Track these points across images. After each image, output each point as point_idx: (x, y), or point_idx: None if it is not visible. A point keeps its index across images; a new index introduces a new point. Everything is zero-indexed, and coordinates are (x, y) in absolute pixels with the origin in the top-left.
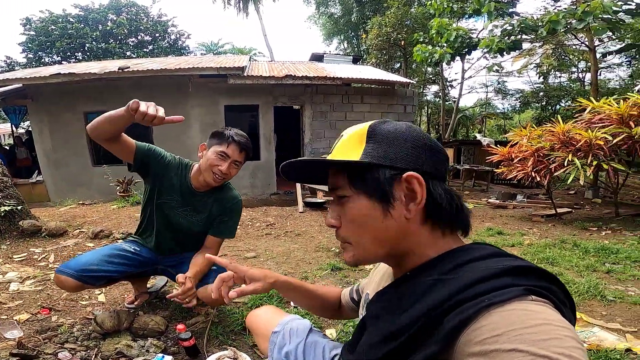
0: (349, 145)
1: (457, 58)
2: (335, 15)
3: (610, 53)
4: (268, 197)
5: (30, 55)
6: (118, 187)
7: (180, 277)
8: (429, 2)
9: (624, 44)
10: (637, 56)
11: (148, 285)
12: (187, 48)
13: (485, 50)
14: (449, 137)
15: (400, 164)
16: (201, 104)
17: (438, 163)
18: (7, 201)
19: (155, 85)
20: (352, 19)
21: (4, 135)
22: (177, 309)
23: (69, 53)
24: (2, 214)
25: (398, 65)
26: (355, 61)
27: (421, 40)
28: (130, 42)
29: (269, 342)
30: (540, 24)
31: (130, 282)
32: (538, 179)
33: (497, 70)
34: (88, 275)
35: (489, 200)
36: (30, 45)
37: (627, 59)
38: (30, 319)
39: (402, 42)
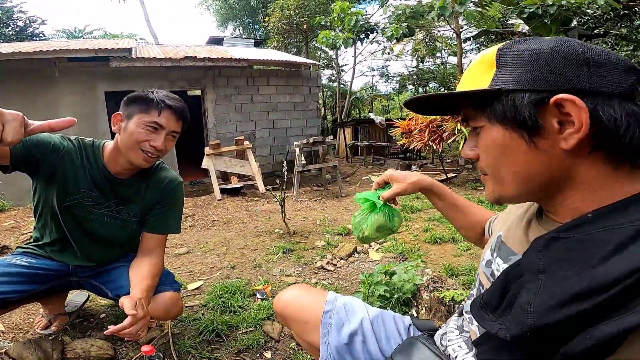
0: (478, 71)
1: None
2: (231, 0)
3: (468, 39)
4: None
5: None
6: None
7: (125, 302)
8: None
9: (478, 31)
10: (485, 43)
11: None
12: (41, 35)
13: (387, 36)
14: (345, 117)
15: (543, 86)
16: (74, 91)
17: (615, 77)
18: None
19: (9, 72)
20: (251, 3)
21: None
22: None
23: None
24: None
25: (295, 49)
26: (257, 45)
27: (322, 23)
28: None
29: (322, 325)
30: (427, 10)
31: (39, 302)
32: (435, 147)
33: (388, 54)
34: None
35: None
36: None
37: (477, 45)
38: None
39: (304, 26)
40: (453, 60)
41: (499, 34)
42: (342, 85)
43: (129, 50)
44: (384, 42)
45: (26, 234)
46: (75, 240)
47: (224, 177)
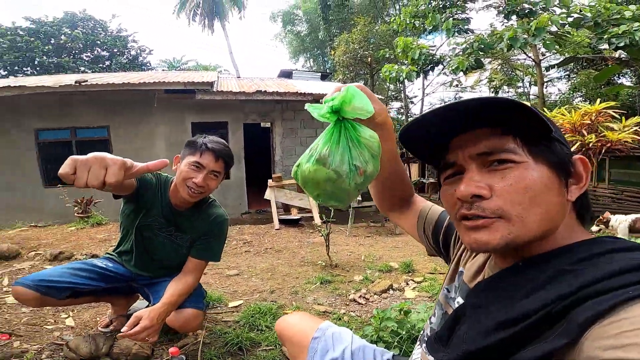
0: None
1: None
2: (302, 33)
3: (552, 67)
4: (240, 216)
5: None
6: (76, 208)
7: (140, 314)
8: (393, 19)
9: (563, 58)
10: (575, 69)
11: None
12: (148, 64)
13: (452, 69)
14: None
15: (566, 144)
16: (167, 121)
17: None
18: None
19: (116, 101)
20: (320, 37)
21: None
22: (161, 330)
23: (16, 67)
24: None
25: (363, 82)
26: (323, 78)
27: (387, 56)
28: (85, 57)
29: (309, 349)
30: (495, 41)
31: (109, 302)
32: None
33: (456, 85)
34: (47, 286)
35: None
36: None
37: (565, 72)
38: None
39: (369, 59)
40: (536, 90)
41: (589, 60)
42: (410, 118)
43: (211, 84)
44: (456, 73)
45: (114, 245)
46: (138, 254)
47: (286, 208)
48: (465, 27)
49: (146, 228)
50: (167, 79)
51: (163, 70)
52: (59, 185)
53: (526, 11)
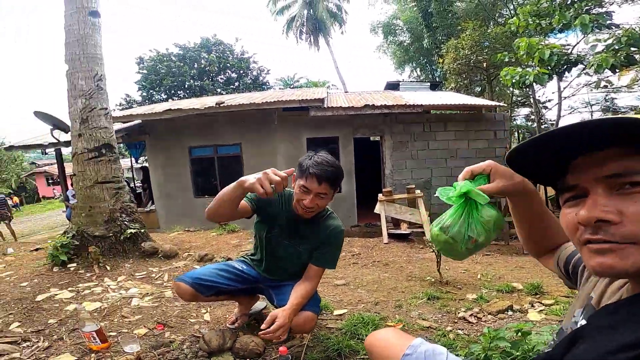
0: None
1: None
2: (405, 43)
3: None
4: (349, 229)
5: (144, 93)
6: None
7: (275, 313)
8: (510, 21)
9: None
10: None
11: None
12: (267, 83)
13: (594, 68)
14: None
15: None
16: (286, 138)
17: None
18: (133, 224)
19: (245, 120)
20: (424, 45)
21: (124, 169)
22: None
23: (172, 91)
24: (128, 236)
25: (479, 89)
26: (433, 87)
27: (506, 60)
28: (219, 80)
29: None
30: None
31: (237, 301)
32: None
33: (605, 87)
34: (200, 284)
35: None
36: (144, 83)
37: None
38: (147, 334)
39: (485, 64)
40: None
41: None
42: (544, 125)
43: (322, 100)
44: (601, 73)
45: (244, 250)
46: (267, 260)
47: (395, 222)
48: (608, 22)
49: (274, 238)
50: (284, 98)
51: (279, 88)
52: (205, 195)
53: None
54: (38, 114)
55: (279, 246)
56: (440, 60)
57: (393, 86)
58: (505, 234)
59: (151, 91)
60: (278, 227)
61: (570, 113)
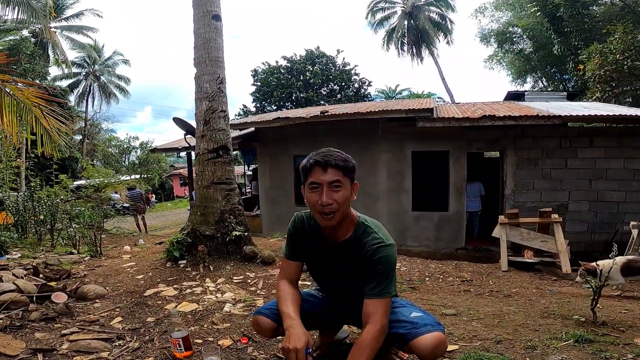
0: None
1: None
2: (526, 51)
3: None
4: (454, 251)
5: (257, 104)
6: None
7: None
8: None
9: None
10: None
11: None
12: (368, 95)
13: None
14: None
15: None
16: (389, 150)
17: None
18: (239, 227)
19: (348, 129)
20: (555, 52)
21: (238, 175)
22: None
23: (281, 102)
24: (233, 238)
25: (631, 99)
26: (571, 97)
27: None
28: (322, 92)
29: None
30: None
31: (318, 330)
32: None
33: None
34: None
35: None
36: (257, 95)
37: None
38: (231, 346)
39: None
40: None
41: None
42: None
43: (431, 110)
44: None
45: None
46: (331, 292)
47: (514, 248)
48: None
49: (317, 269)
50: (389, 107)
51: (381, 100)
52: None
53: None
54: (176, 120)
55: (327, 275)
56: (580, 67)
57: (516, 96)
58: None
59: (263, 102)
60: (316, 259)
61: None
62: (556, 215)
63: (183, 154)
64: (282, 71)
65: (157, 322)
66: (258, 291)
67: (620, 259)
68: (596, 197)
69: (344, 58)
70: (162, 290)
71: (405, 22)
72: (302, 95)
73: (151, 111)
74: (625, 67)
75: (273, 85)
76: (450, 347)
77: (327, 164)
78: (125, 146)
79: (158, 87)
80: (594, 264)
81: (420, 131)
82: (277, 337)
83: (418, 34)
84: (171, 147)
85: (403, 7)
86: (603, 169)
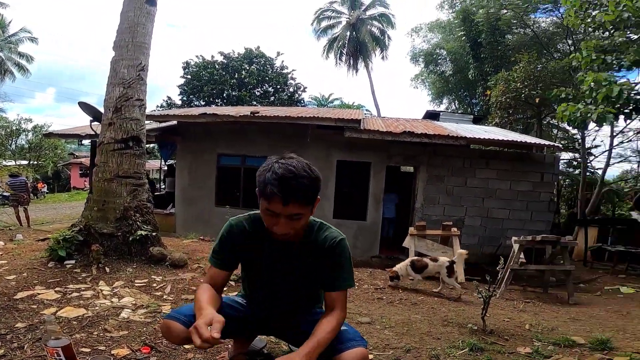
0: None
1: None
2: (446, 73)
3: None
4: (369, 259)
5: (185, 98)
6: None
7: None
8: (572, 55)
9: None
10: None
11: None
12: (302, 101)
13: None
14: (591, 214)
15: None
16: (316, 156)
17: None
18: (145, 226)
19: (278, 132)
20: (469, 76)
21: (152, 170)
22: None
23: (211, 99)
24: (137, 238)
25: (522, 127)
26: (476, 121)
27: (563, 96)
28: (256, 92)
29: None
30: None
31: (233, 339)
32: None
33: None
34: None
35: None
36: (186, 88)
37: None
38: (128, 356)
39: (537, 100)
40: None
41: None
42: (588, 173)
43: (359, 121)
44: None
45: None
46: (262, 295)
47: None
48: None
49: (254, 271)
50: (320, 115)
51: (313, 107)
52: (227, 205)
53: None
54: (82, 105)
55: (271, 278)
56: (488, 92)
57: (433, 116)
58: (545, 282)
59: (191, 96)
60: (259, 259)
61: (621, 161)
62: (455, 229)
63: (87, 141)
64: (217, 67)
65: (30, 328)
66: (165, 296)
67: (407, 260)
68: (486, 214)
69: (282, 61)
70: (39, 293)
71: (348, 33)
72: (234, 93)
73: (54, 93)
74: (523, 95)
75: (205, 80)
76: None
77: (287, 198)
78: (14, 128)
79: (68, 68)
80: (394, 268)
81: (347, 141)
82: (185, 347)
83: (357, 46)
84: (71, 133)
85: (348, 18)
86: (494, 189)
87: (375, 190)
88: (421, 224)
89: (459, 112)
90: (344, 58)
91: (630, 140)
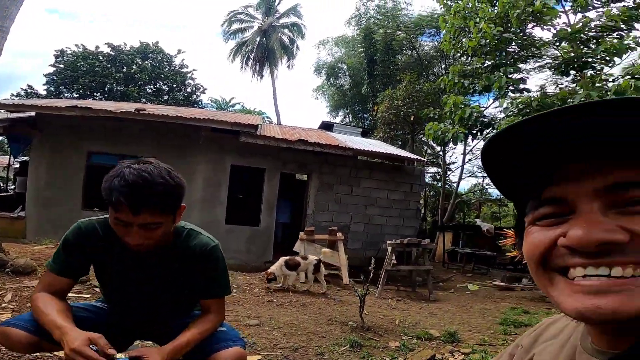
0: None
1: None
2: (344, 87)
3: None
4: (262, 264)
5: (52, 89)
6: None
7: (140, 351)
8: (441, 77)
9: None
10: None
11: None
12: (200, 103)
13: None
14: (447, 221)
15: None
16: (208, 160)
17: None
18: None
19: (167, 133)
20: (362, 91)
21: None
22: None
23: (88, 92)
24: None
25: (401, 142)
26: (364, 134)
27: (431, 115)
28: (148, 89)
29: None
30: (557, 102)
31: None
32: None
33: None
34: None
35: (494, 282)
36: (55, 78)
37: None
38: None
39: (412, 118)
40: None
41: None
42: (447, 186)
43: (256, 127)
44: None
45: None
46: (120, 307)
47: None
48: (521, 86)
49: (112, 282)
50: (216, 117)
51: (211, 109)
52: (95, 208)
53: (581, 63)
54: None
55: (124, 287)
56: (375, 108)
57: (327, 126)
58: (413, 281)
59: (61, 87)
60: (112, 269)
61: (469, 176)
62: (340, 234)
63: None
64: (101, 58)
65: None
66: (4, 304)
67: (281, 260)
68: (369, 220)
69: (183, 59)
70: None
71: (258, 39)
72: (119, 88)
73: None
74: (402, 112)
75: (82, 71)
76: (254, 358)
77: (137, 207)
78: None
79: None
80: (269, 270)
81: (243, 146)
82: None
83: (266, 52)
84: None
85: (261, 24)
86: (375, 197)
87: (268, 196)
88: (310, 229)
89: (352, 124)
90: (250, 63)
91: (477, 158)
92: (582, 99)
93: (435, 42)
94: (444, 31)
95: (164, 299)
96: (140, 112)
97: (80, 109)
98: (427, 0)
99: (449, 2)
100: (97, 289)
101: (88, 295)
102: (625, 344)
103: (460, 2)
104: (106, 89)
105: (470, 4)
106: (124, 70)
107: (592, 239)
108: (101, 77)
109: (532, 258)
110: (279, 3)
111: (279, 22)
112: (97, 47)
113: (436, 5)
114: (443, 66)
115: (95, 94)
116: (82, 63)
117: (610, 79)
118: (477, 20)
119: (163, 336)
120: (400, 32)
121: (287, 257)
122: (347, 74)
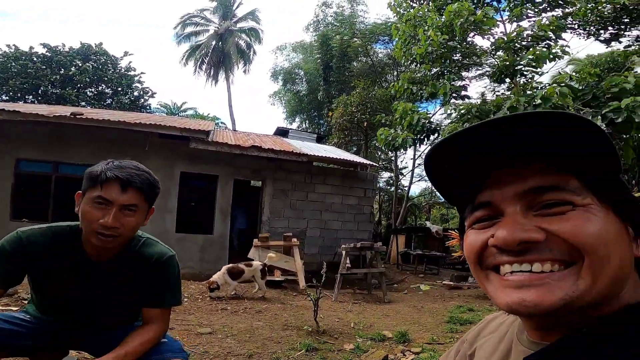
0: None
1: (415, 143)
2: (301, 93)
3: None
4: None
5: None
6: None
7: None
8: (391, 85)
9: None
10: None
11: None
12: (148, 107)
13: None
14: (400, 224)
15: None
16: (156, 168)
17: None
18: None
19: (107, 140)
20: (318, 98)
21: None
22: None
23: (19, 94)
24: None
25: (355, 148)
26: (319, 140)
27: (383, 122)
28: (89, 92)
29: None
30: (492, 109)
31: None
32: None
33: None
34: None
35: (444, 282)
36: None
37: None
38: None
39: (365, 124)
40: None
41: None
42: (399, 190)
43: (207, 133)
44: None
45: None
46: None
47: (269, 269)
48: (462, 93)
49: (55, 290)
50: (164, 123)
51: (161, 114)
52: (24, 219)
53: (513, 71)
54: None
55: (67, 299)
56: (330, 114)
57: (283, 132)
58: (368, 284)
59: None
60: (60, 279)
61: (419, 181)
62: (295, 239)
63: None
64: (35, 59)
65: None
66: None
67: (224, 268)
68: (324, 226)
69: (130, 62)
70: None
71: (213, 43)
72: (55, 91)
73: None
74: (356, 119)
75: (13, 72)
76: None
77: (129, 184)
78: None
79: None
80: (211, 279)
81: (193, 152)
82: None
83: (221, 56)
84: None
85: (217, 27)
86: (330, 202)
87: (222, 203)
88: (265, 235)
89: (308, 130)
90: (204, 67)
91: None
92: (512, 105)
93: (389, 50)
94: (396, 39)
95: (110, 308)
96: (77, 116)
97: (7, 113)
98: (382, 8)
99: (401, 11)
100: (25, 301)
101: (16, 308)
102: (556, 336)
103: (411, 10)
104: (40, 91)
105: (420, 12)
106: (61, 72)
107: (515, 238)
108: (34, 78)
109: (470, 258)
110: (237, 7)
111: (237, 27)
112: (31, 48)
113: (390, 13)
114: (395, 73)
115: (27, 97)
116: (13, 64)
117: (539, 87)
118: (426, 28)
119: (101, 347)
120: (356, 39)
121: (230, 265)
122: (304, 80)
